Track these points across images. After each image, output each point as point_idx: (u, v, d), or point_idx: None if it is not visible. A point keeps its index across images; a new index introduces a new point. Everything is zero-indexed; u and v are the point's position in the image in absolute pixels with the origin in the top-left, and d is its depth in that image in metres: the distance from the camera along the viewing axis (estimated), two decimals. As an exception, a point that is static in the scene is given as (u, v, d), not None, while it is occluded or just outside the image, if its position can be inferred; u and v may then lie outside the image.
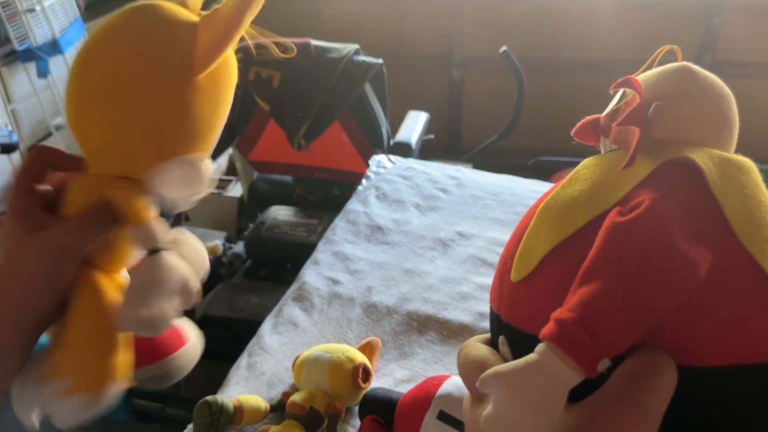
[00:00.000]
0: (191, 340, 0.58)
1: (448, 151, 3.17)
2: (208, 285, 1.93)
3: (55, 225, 0.47)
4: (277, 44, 0.55)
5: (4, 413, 0.53)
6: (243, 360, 1.02)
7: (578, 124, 0.43)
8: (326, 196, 2.17)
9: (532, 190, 1.47)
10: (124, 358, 0.52)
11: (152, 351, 0.56)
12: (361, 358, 0.91)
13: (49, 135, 2.75)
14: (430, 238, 1.29)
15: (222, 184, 2.54)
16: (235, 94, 0.58)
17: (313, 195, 2.19)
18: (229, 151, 2.62)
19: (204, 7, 0.54)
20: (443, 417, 0.75)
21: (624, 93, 0.41)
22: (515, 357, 0.33)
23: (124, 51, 0.47)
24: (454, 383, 0.78)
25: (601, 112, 0.43)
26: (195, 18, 0.50)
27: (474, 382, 0.33)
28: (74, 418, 0.50)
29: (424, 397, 0.78)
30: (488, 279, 1.15)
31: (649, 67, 0.42)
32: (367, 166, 1.65)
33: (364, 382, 0.88)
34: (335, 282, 1.18)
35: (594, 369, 0.30)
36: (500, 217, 1.36)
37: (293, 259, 1.76)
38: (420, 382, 0.83)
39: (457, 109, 3.33)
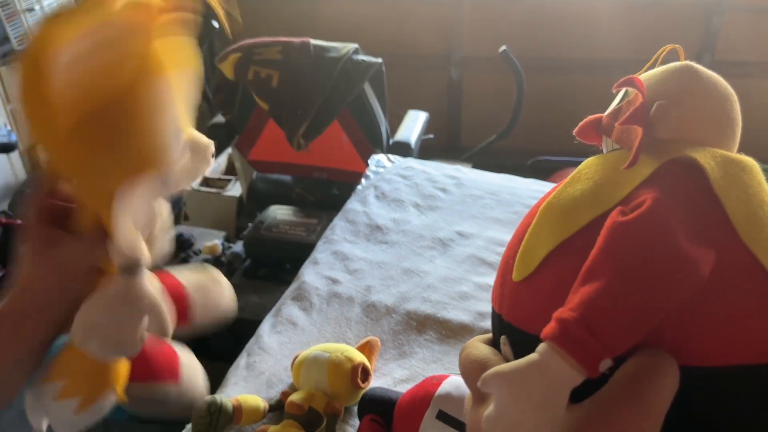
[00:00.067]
0: (188, 382, 0.58)
1: (448, 150, 3.17)
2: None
3: (65, 243, 0.50)
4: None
5: (4, 413, 0.54)
6: (242, 360, 1.02)
7: (580, 124, 0.43)
8: (325, 195, 2.17)
9: (532, 190, 1.47)
10: (119, 368, 0.52)
11: (147, 370, 0.56)
12: (360, 357, 0.91)
13: (48, 134, 2.74)
14: (429, 238, 1.29)
15: (221, 183, 2.53)
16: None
17: (313, 194, 2.19)
18: (229, 150, 2.62)
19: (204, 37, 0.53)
20: (442, 417, 0.75)
21: (626, 92, 0.40)
22: (517, 357, 0.33)
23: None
24: (453, 383, 0.78)
25: (601, 112, 0.43)
26: None
27: (475, 382, 0.33)
28: (70, 422, 0.51)
29: (423, 396, 0.78)
30: (487, 278, 1.15)
31: (652, 67, 0.42)
32: (367, 165, 1.65)
33: (363, 382, 0.88)
34: (334, 281, 1.17)
35: (596, 369, 0.30)
36: (499, 217, 1.36)
37: (292, 258, 1.76)
38: (419, 381, 0.83)
39: (457, 109, 3.33)
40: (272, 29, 2.28)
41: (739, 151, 0.39)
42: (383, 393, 0.85)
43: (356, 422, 0.87)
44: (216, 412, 0.83)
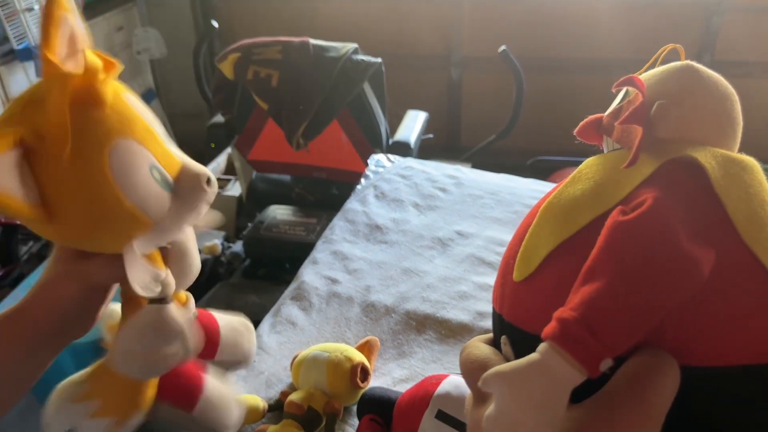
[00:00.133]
0: (203, 414, 0.60)
1: (447, 150, 3.17)
2: (207, 284, 1.93)
3: (89, 259, 0.51)
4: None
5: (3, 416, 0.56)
6: (241, 359, 1.02)
7: (581, 124, 0.43)
8: (325, 195, 2.17)
9: (531, 190, 1.47)
10: (148, 390, 0.56)
11: (168, 391, 0.58)
12: (359, 357, 0.91)
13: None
14: (428, 238, 1.29)
15: (221, 183, 2.54)
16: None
17: (312, 194, 2.19)
18: (228, 150, 2.62)
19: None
20: (442, 416, 0.75)
21: (627, 92, 0.40)
22: (517, 357, 0.32)
23: None
24: (452, 383, 0.78)
25: (601, 112, 0.43)
26: None
27: (476, 381, 0.33)
28: None
29: (423, 396, 0.78)
30: (487, 278, 1.15)
31: (652, 66, 0.42)
32: (366, 165, 1.65)
33: (363, 382, 0.88)
34: (334, 281, 1.17)
35: (596, 368, 0.30)
36: (499, 217, 1.36)
37: (292, 258, 1.76)
38: (418, 381, 0.83)
39: (456, 109, 3.33)
40: (272, 29, 2.29)
41: (740, 150, 0.39)
42: (382, 393, 0.85)
43: (355, 422, 0.87)
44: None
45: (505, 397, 0.31)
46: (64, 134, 0.42)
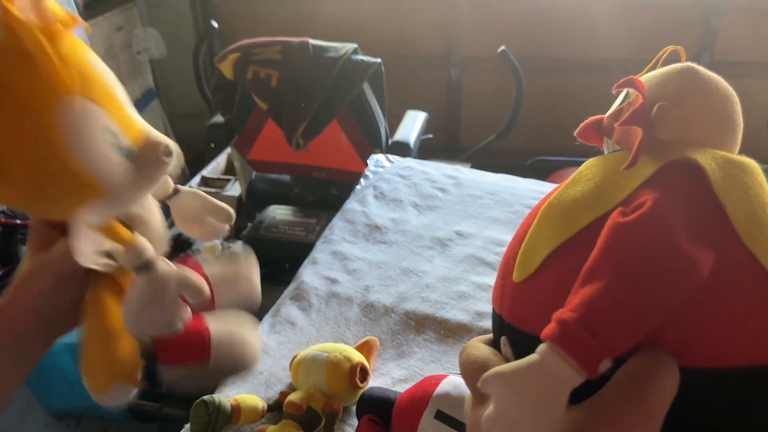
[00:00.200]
0: (219, 355, 0.59)
1: (447, 150, 3.17)
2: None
3: (59, 244, 0.51)
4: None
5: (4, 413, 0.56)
6: (241, 359, 1.02)
7: (581, 125, 0.43)
8: (324, 195, 2.17)
9: (530, 190, 1.47)
10: (127, 363, 0.54)
11: (176, 354, 0.57)
12: (358, 357, 0.91)
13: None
14: (428, 238, 1.29)
15: (220, 183, 2.54)
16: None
17: (312, 194, 2.19)
18: (228, 150, 2.62)
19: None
20: (441, 416, 0.75)
21: (627, 93, 0.41)
22: (517, 357, 0.32)
23: None
24: (451, 383, 0.78)
25: (600, 112, 0.43)
26: None
27: (475, 382, 0.33)
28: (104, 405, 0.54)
29: (422, 396, 0.78)
30: (486, 278, 1.15)
31: (653, 68, 0.42)
32: (366, 165, 1.65)
33: (362, 382, 0.88)
34: (333, 281, 1.17)
35: (595, 369, 0.30)
36: (498, 217, 1.36)
37: (291, 258, 1.76)
38: (417, 381, 0.83)
39: (456, 109, 3.33)
40: (271, 29, 2.29)
41: (739, 150, 0.39)
42: (382, 393, 0.85)
43: (355, 422, 0.87)
44: (214, 412, 0.83)
45: (505, 398, 0.31)
46: (9, 86, 0.41)
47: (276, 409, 0.89)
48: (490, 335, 0.43)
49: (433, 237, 1.29)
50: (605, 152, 0.42)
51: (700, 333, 0.32)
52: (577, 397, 0.31)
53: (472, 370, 0.39)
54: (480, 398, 0.37)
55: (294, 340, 1.04)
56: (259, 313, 1.15)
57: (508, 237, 1.25)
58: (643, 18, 2.89)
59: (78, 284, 0.53)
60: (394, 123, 2.17)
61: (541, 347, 0.31)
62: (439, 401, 0.76)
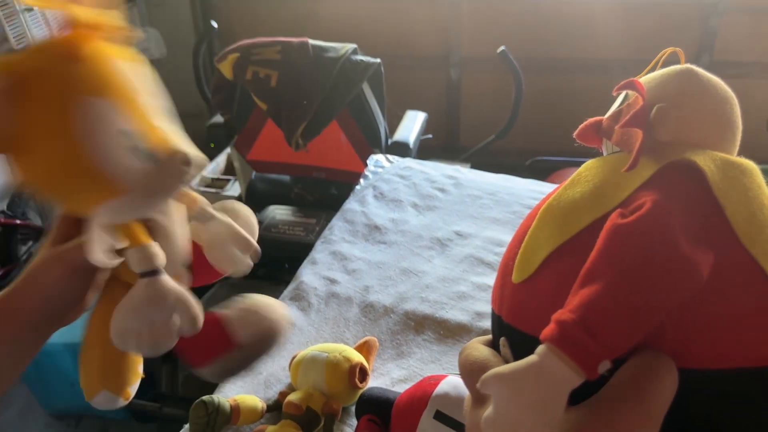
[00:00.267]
0: (248, 339, 0.58)
1: (446, 150, 3.17)
2: (206, 285, 1.93)
3: (75, 240, 0.52)
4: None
5: (4, 413, 0.56)
6: (240, 359, 1.02)
7: (580, 126, 0.43)
8: (324, 195, 2.17)
9: (530, 190, 1.47)
10: (119, 374, 0.56)
11: (204, 354, 0.58)
12: (358, 357, 0.91)
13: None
14: (427, 238, 1.29)
15: (220, 183, 2.54)
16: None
17: (311, 194, 2.19)
18: (227, 150, 2.62)
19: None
20: (440, 417, 0.75)
21: (626, 95, 0.41)
22: (517, 358, 0.33)
23: None
24: (450, 383, 0.78)
25: (600, 113, 0.43)
26: None
27: (475, 383, 0.33)
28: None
29: (421, 396, 0.78)
30: (486, 278, 1.15)
31: (652, 69, 0.42)
32: (365, 165, 1.65)
33: (361, 382, 0.88)
34: (333, 281, 1.18)
35: (594, 370, 0.30)
36: (498, 217, 1.36)
37: (291, 258, 1.76)
38: (417, 381, 0.83)
39: (455, 109, 3.33)
40: (271, 29, 2.29)
41: (738, 150, 0.39)
42: (381, 393, 0.85)
43: (354, 422, 0.87)
44: (213, 412, 0.83)
45: (504, 399, 0.31)
46: (42, 79, 0.45)
47: (275, 409, 0.89)
48: (490, 336, 0.43)
49: (432, 237, 1.29)
50: (604, 153, 0.43)
51: (699, 334, 0.32)
52: (577, 398, 0.32)
53: (471, 371, 0.39)
54: (479, 399, 0.37)
55: (293, 341, 1.04)
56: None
57: (507, 237, 1.25)
58: (643, 18, 2.89)
59: (87, 277, 0.54)
60: (393, 123, 2.17)
61: (540, 348, 0.31)
62: (438, 401, 0.76)
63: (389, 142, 2.07)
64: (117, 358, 0.55)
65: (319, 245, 1.31)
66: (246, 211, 0.64)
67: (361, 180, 1.56)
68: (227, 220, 0.60)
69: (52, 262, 0.52)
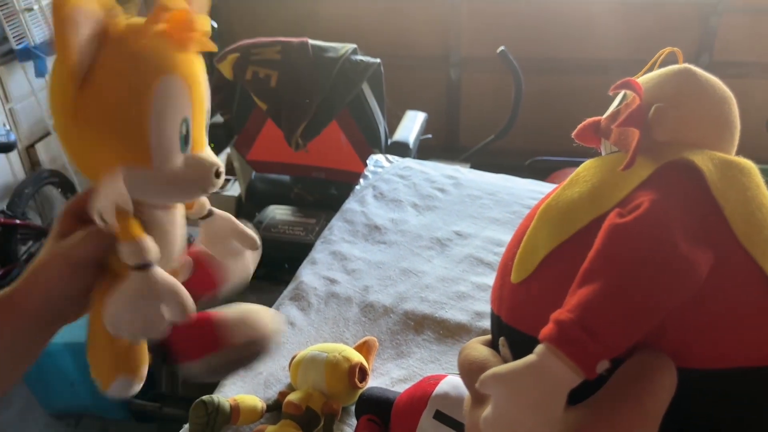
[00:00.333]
0: (238, 341, 0.59)
1: (446, 150, 3.17)
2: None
3: (74, 234, 0.52)
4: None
5: (3, 413, 0.56)
6: (240, 359, 1.02)
7: (579, 127, 0.43)
8: (324, 195, 2.17)
9: (530, 190, 1.47)
10: (132, 356, 0.56)
11: (196, 348, 0.58)
12: (357, 357, 0.91)
13: (47, 134, 2.74)
14: (427, 238, 1.29)
15: (219, 183, 2.54)
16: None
17: (311, 194, 2.19)
18: (227, 150, 2.62)
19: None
20: (440, 417, 0.75)
21: (624, 95, 0.41)
22: (516, 358, 0.33)
23: None
24: (450, 383, 0.78)
25: (599, 113, 0.43)
26: None
27: (474, 383, 0.33)
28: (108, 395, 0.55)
29: (421, 396, 0.78)
30: (485, 278, 1.15)
31: (650, 69, 0.42)
32: (365, 165, 1.65)
33: (361, 382, 0.88)
34: (332, 281, 1.18)
35: (593, 370, 0.30)
36: (497, 217, 1.36)
37: (291, 258, 1.76)
38: (417, 381, 0.83)
39: (455, 109, 3.33)
40: (271, 29, 2.28)
41: (738, 150, 0.39)
42: (381, 393, 0.85)
43: (354, 422, 0.87)
44: (213, 412, 0.83)
45: (503, 399, 0.32)
46: (142, 37, 0.48)
47: (275, 409, 0.89)
48: (489, 336, 0.43)
49: (432, 237, 1.29)
50: (603, 153, 0.43)
51: (700, 334, 0.32)
52: (576, 397, 0.32)
53: (470, 371, 0.39)
54: (479, 399, 0.37)
55: (293, 340, 1.04)
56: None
57: (507, 237, 1.25)
58: (643, 18, 2.89)
59: (89, 273, 0.53)
60: (393, 123, 2.17)
61: (539, 348, 0.32)
62: (438, 401, 0.76)
63: (389, 142, 2.07)
64: (126, 343, 0.56)
65: (318, 245, 1.31)
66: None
67: (361, 180, 1.56)
68: (227, 216, 0.61)
69: (53, 259, 0.52)
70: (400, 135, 2.13)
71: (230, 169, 2.64)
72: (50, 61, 2.50)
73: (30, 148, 2.67)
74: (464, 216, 1.37)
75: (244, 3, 3.34)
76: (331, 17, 3.22)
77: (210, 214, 0.60)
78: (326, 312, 1.10)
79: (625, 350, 0.31)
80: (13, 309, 0.52)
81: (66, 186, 2.71)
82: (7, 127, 2.44)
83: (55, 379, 1.85)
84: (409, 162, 1.63)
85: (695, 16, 2.88)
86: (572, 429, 0.31)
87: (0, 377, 0.54)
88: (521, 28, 3.04)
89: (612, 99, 0.43)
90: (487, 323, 1.01)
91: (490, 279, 1.14)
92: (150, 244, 0.50)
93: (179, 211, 0.57)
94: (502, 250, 0.42)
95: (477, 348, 0.41)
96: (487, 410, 0.32)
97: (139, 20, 0.49)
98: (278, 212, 2.09)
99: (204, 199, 0.60)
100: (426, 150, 2.31)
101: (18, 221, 2.39)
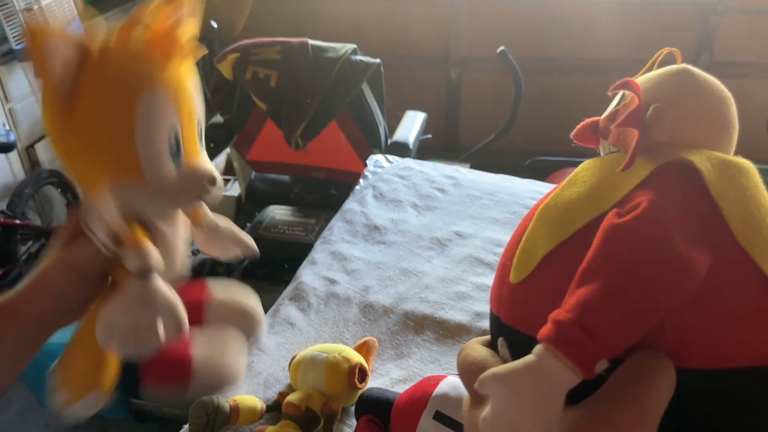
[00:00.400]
0: (200, 382, 0.61)
1: (446, 150, 3.17)
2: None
3: (79, 241, 0.53)
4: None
5: (3, 413, 0.57)
6: (240, 360, 1.02)
7: (578, 127, 0.43)
8: (324, 195, 2.17)
9: (529, 190, 1.47)
10: (109, 372, 0.57)
11: (159, 371, 0.60)
12: (357, 358, 0.91)
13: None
14: (427, 238, 1.29)
15: (219, 183, 2.54)
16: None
17: (311, 194, 2.19)
18: (227, 150, 2.62)
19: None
20: (439, 417, 0.75)
21: (623, 95, 0.41)
22: (515, 358, 0.33)
23: None
24: (450, 383, 0.78)
25: (599, 113, 0.43)
26: None
27: (473, 383, 0.33)
28: (61, 413, 0.56)
29: (420, 397, 0.78)
30: (485, 279, 1.15)
31: (649, 70, 0.42)
32: (365, 165, 1.65)
33: (361, 382, 0.88)
34: (332, 282, 1.17)
35: (591, 370, 0.30)
36: (497, 217, 1.36)
37: (291, 258, 1.76)
38: (416, 382, 0.83)
39: (455, 109, 3.33)
40: (271, 29, 2.28)
41: (738, 151, 0.39)
42: (380, 393, 0.85)
43: (353, 423, 0.87)
44: (213, 412, 0.83)
45: (501, 399, 0.32)
46: (121, 58, 0.49)
47: (275, 409, 0.89)
48: (488, 336, 0.43)
49: (432, 237, 1.29)
50: (601, 154, 0.43)
51: (699, 334, 0.32)
52: (575, 397, 0.32)
53: (469, 371, 0.39)
54: (478, 399, 0.37)
55: (293, 341, 1.04)
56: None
57: (507, 237, 1.24)
58: (642, 18, 2.89)
59: (95, 283, 0.54)
60: (393, 123, 2.17)
61: (538, 348, 0.32)
62: (437, 402, 0.76)
63: (389, 142, 2.07)
64: (106, 358, 0.56)
65: (318, 245, 1.31)
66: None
67: (361, 180, 1.56)
68: (228, 224, 0.63)
69: (63, 267, 0.53)
70: (399, 135, 2.13)
71: (230, 169, 2.63)
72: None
73: (30, 148, 2.67)
74: (464, 216, 1.37)
75: (244, 3, 3.34)
76: (331, 17, 3.22)
77: (212, 223, 0.62)
78: (326, 312, 1.10)
79: (624, 350, 0.31)
80: (18, 310, 0.53)
81: (66, 186, 2.71)
82: (7, 127, 2.44)
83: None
84: (409, 162, 1.63)
85: (695, 16, 2.88)
86: (571, 429, 0.31)
87: (1, 378, 0.54)
88: (521, 28, 3.04)
89: (612, 99, 0.43)
90: (487, 324, 1.01)
91: (490, 279, 1.14)
92: (152, 251, 0.51)
93: (181, 221, 0.58)
94: (502, 250, 0.42)
95: (476, 348, 0.41)
96: (486, 410, 0.32)
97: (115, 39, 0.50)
98: (278, 212, 2.09)
99: (206, 209, 0.61)
100: (426, 150, 2.31)
101: (18, 221, 2.39)
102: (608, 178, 0.37)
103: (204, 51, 0.55)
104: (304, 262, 1.26)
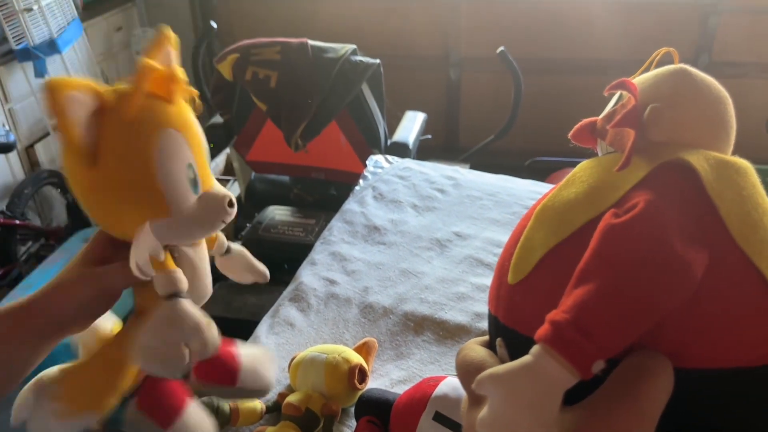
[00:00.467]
0: (244, 384, 0.66)
1: (446, 151, 3.17)
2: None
3: (110, 265, 0.55)
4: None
5: (2, 413, 0.57)
6: (239, 360, 1.02)
7: (575, 127, 0.43)
8: (323, 196, 2.17)
9: (529, 191, 1.47)
10: (107, 395, 0.58)
11: (207, 374, 0.64)
12: (357, 358, 0.91)
13: (46, 135, 2.74)
14: (426, 239, 1.29)
15: (219, 183, 2.54)
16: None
17: (311, 195, 2.19)
18: (227, 151, 2.62)
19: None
20: (439, 418, 0.75)
21: (620, 95, 0.41)
22: (513, 359, 0.33)
23: None
24: (450, 384, 0.78)
25: (599, 113, 0.43)
26: None
27: (471, 384, 0.33)
28: (46, 425, 0.57)
29: (420, 398, 0.78)
30: (485, 279, 1.15)
31: (647, 70, 0.42)
32: (365, 166, 1.65)
33: (360, 383, 0.88)
34: (332, 282, 1.17)
35: (588, 370, 0.30)
36: (497, 218, 1.36)
37: (290, 259, 1.76)
38: (416, 382, 0.83)
39: (455, 110, 3.33)
40: (271, 30, 2.28)
41: (736, 151, 0.39)
42: (380, 394, 0.85)
43: (353, 423, 0.87)
44: (213, 413, 0.83)
45: (499, 399, 0.32)
46: (134, 103, 0.51)
47: (274, 410, 0.89)
48: (487, 337, 0.43)
49: (431, 238, 1.29)
50: (599, 154, 0.43)
51: (698, 334, 0.32)
52: (573, 398, 0.32)
53: (468, 372, 0.39)
54: (476, 400, 0.37)
55: (293, 342, 1.04)
56: (258, 314, 1.15)
57: (506, 238, 1.24)
58: (642, 19, 2.89)
59: (107, 302, 0.57)
60: (393, 124, 2.17)
61: (535, 348, 0.32)
62: (437, 403, 0.76)
63: (388, 142, 2.07)
64: (117, 383, 0.58)
65: (318, 246, 1.31)
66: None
67: (361, 181, 1.56)
68: (242, 251, 0.69)
69: (92, 281, 0.55)
70: (399, 135, 2.13)
71: (230, 170, 2.64)
72: (50, 62, 2.50)
73: (29, 149, 2.67)
74: (464, 217, 1.37)
75: (244, 3, 3.34)
76: (331, 17, 3.22)
77: (228, 250, 0.67)
78: (326, 313, 1.10)
79: (622, 350, 0.31)
80: (39, 310, 0.54)
81: (65, 186, 2.71)
82: (7, 128, 2.44)
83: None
84: (409, 162, 1.63)
85: (694, 16, 2.88)
86: (569, 430, 0.31)
87: (9, 380, 0.55)
88: (521, 28, 3.04)
89: (610, 99, 0.43)
90: (486, 325, 1.01)
91: (489, 280, 1.13)
92: (181, 276, 0.54)
93: (205, 247, 0.62)
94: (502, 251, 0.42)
95: (474, 349, 0.41)
96: (484, 411, 0.32)
97: (126, 87, 0.52)
98: (278, 213, 2.09)
99: (222, 237, 0.65)
100: (426, 150, 2.31)
101: (17, 221, 2.39)
102: (606, 178, 0.37)
103: (196, 93, 0.57)
104: (304, 263, 1.26)
